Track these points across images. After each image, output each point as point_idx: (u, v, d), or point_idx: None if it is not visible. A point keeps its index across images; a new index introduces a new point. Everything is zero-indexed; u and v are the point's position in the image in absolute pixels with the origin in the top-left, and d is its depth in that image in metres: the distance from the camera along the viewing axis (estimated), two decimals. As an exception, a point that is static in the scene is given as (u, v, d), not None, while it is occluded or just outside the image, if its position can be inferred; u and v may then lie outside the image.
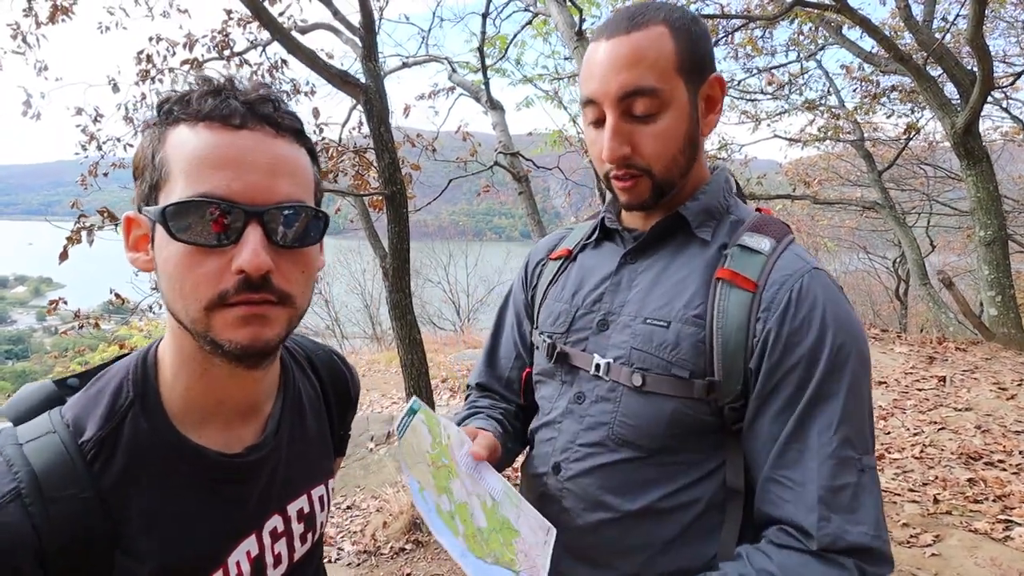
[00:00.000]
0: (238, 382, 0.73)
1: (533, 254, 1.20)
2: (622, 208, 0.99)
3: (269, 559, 0.77)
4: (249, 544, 0.75)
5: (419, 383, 3.48)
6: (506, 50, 5.83)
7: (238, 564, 0.73)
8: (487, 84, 4.52)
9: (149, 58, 4.55)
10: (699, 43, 0.88)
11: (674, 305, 0.88)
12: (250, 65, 4.54)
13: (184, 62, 4.40)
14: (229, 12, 4.13)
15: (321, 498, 0.86)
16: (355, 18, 3.35)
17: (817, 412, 0.79)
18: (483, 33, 4.26)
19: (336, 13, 3.48)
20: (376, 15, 5.37)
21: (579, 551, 0.93)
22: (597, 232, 1.06)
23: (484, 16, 4.22)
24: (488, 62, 5.73)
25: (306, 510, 0.83)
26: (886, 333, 7.20)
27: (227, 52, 4.36)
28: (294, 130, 0.68)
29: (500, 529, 0.81)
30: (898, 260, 12.85)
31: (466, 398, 1.23)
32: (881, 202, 9.03)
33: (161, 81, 4.64)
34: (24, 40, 4.26)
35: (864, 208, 9.98)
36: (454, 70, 5.09)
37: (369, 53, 3.24)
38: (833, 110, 9.27)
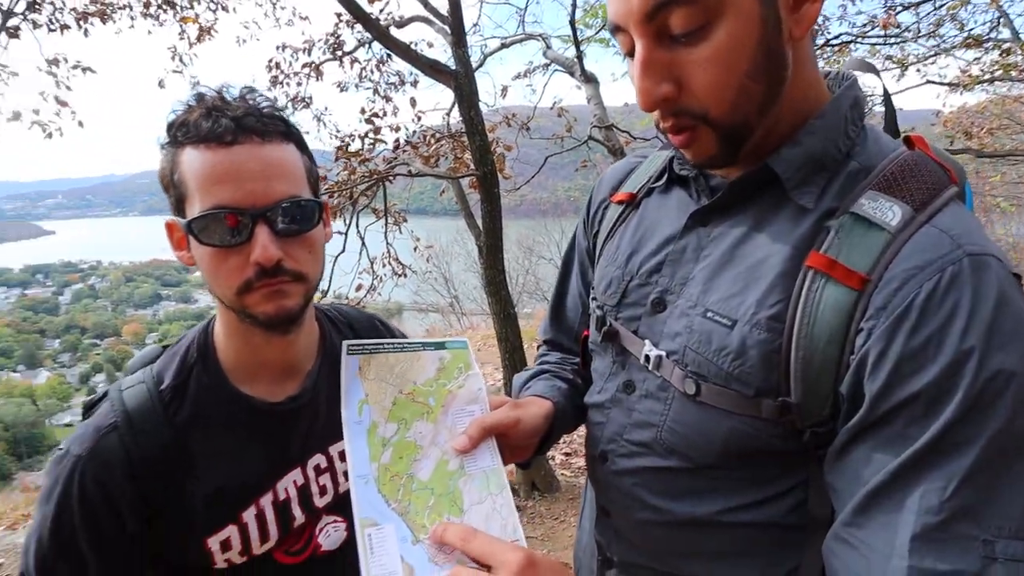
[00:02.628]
0: (275, 345, 0.88)
1: (596, 191, 0.99)
2: (692, 165, 0.75)
3: (314, 489, 0.92)
4: (295, 475, 0.90)
5: (513, 356, 3.64)
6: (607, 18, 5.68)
7: (286, 490, 0.89)
8: (580, 57, 4.48)
9: (278, 65, 5.10)
10: None
11: (745, 297, 0.67)
12: (360, 62, 4.93)
13: (304, 65, 4.88)
14: (339, 15, 4.51)
15: None
16: (446, 8, 3.49)
17: (931, 464, 0.54)
18: (574, 5, 4.22)
19: (427, 4, 3.67)
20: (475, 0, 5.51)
21: (631, 542, 0.85)
22: (666, 175, 0.84)
23: (575, -13, 4.17)
24: (589, 33, 5.65)
25: None
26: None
27: (339, 53, 4.76)
28: (279, 132, 0.79)
29: (440, 494, 0.70)
30: (1099, 219, 10.64)
31: (537, 347, 1.12)
32: (1068, 150, 7.55)
33: (288, 85, 5.17)
34: (180, 60, 4.99)
35: (1046, 159, 8.40)
36: (548, 46, 5.09)
37: (458, 40, 3.37)
38: (1003, 45, 7.85)
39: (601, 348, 0.87)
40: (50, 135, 4.95)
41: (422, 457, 0.73)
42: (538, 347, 1.12)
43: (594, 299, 0.89)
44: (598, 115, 4.39)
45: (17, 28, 4.41)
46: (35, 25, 4.48)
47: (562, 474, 4.18)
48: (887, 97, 0.77)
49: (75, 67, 4.90)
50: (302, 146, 0.85)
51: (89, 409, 0.85)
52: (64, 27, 4.52)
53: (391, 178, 4.11)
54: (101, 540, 0.78)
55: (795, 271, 0.64)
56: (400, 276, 5.29)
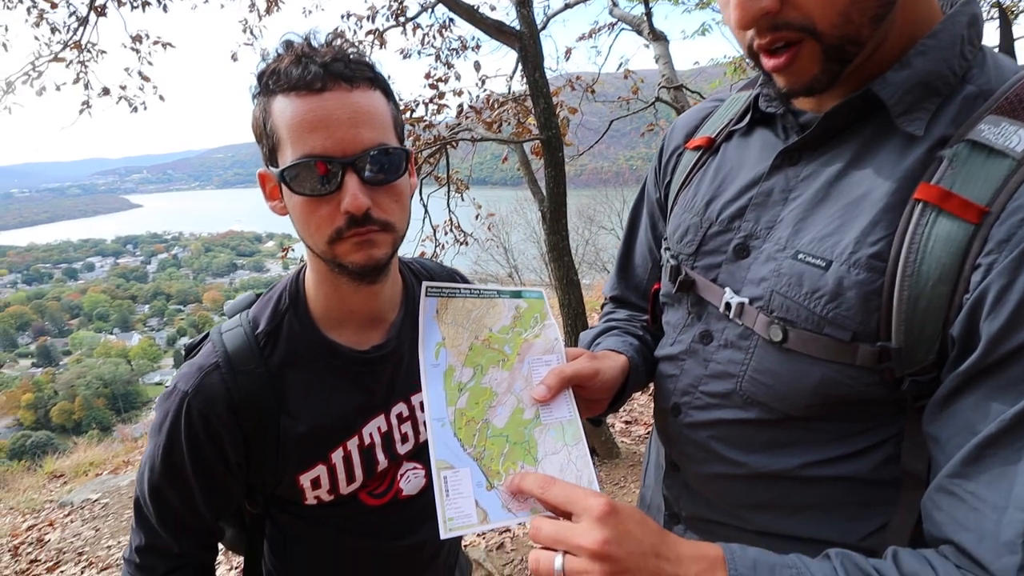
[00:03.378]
0: (362, 295, 0.89)
1: (668, 139, 0.94)
2: (781, 95, 0.69)
3: (396, 436, 0.95)
4: (379, 421, 0.93)
5: (576, 322, 3.61)
6: (676, -28, 5.39)
7: (371, 435, 0.92)
8: (649, 14, 4.27)
9: (342, 34, 5.15)
10: None
11: (843, 236, 0.62)
12: (422, 28, 4.90)
13: (368, 33, 4.90)
14: (402, -21, 4.48)
15: None
16: (510, -35, 3.39)
17: None
18: (643, -42, 4.01)
19: (491, -37, 3.58)
20: (538, -42, 5.32)
21: (702, 496, 0.83)
22: (749, 114, 0.79)
23: (645, -62, 3.95)
24: (657, -11, 5.37)
25: None
26: None
27: (402, 19, 4.75)
28: (366, 79, 0.78)
29: (514, 442, 0.70)
30: None
31: (601, 307, 1.10)
32: None
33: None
34: (251, 33, 5.13)
35: None
36: (615, 3, 4.88)
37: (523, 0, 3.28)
38: None
39: (675, 299, 0.85)
40: (135, 109, 5.24)
41: (497, 404, 0.72)
42: (603, 305, 1.10)
43: (667, 249, 0.86)
44: (667, 75, 4.19)
45: (104, 6, 4.65)
46: (119, 3, 4.70)
47: (622, 441, 4.17)
48: (1003, 15, 0.69)
49: (156, 43, 5.14)
50: (388, 93, 0.84)
51: (191, 350, 0.90)
52: (145, 3, 4.73)
53: (454, 144, 4.11)
54: (205, 469, 0.83)
55: (901, 205, 0.59)
56: (462, 244, 5.33)
